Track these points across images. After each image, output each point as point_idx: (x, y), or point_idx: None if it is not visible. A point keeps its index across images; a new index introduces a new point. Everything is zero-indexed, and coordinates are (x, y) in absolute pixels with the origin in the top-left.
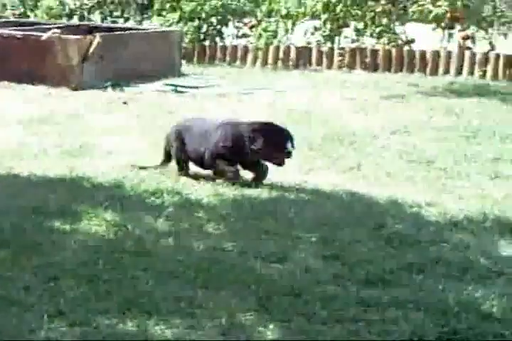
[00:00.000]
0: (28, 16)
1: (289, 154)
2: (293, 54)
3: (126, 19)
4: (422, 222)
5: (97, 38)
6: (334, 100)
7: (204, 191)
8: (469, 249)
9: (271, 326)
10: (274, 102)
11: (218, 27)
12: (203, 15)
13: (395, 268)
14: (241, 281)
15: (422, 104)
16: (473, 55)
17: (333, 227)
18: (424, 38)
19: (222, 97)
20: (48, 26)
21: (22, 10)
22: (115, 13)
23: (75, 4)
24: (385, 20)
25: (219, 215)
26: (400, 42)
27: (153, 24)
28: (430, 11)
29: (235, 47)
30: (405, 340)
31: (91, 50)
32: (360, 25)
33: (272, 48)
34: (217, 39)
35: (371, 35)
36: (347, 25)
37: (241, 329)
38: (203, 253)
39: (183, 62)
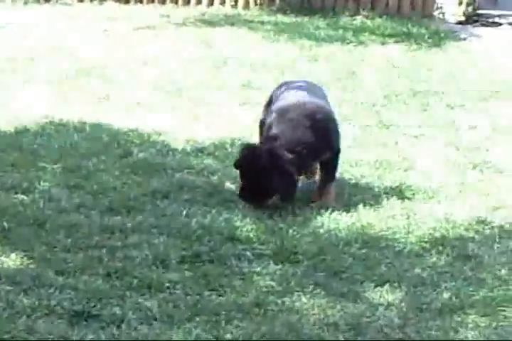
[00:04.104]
0: None
1: None
2: None
3: None
4: (168, 149)
5: None
6: (84, 33)
7: None
8: (215, 174)
9: (13, 255)
10: (23, 37)
11: None
12: None
13: (140, 195)
14: None
15: (173, 34)
16: None
17: (79, 157)
18: None
19: None
20: None
21: None
22: None
23: None
24: None
25: None
26: None
27: None
28: None
29: None
30: (148, 265)
31: None
32: None
33: None
34: None
35: None
36: None
37: None
38: None
39: None
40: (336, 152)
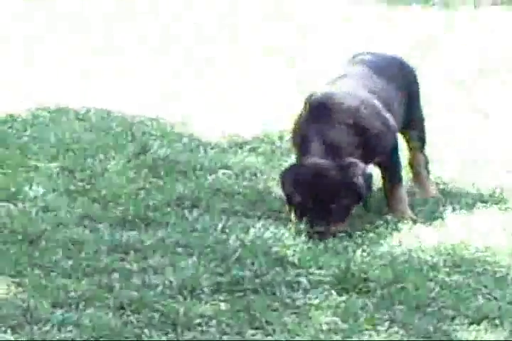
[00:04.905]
0: None
1: None
2: None
3: None
4: (198, 144)
5: None
6: None
7: None
8: (258, 176)
9: None
10: None
11: None
12: None
13: (161, 203)
14: None
15: None
16: None
17: (82, 154)
18: None
19: None
20: None
21: None
22: None
23: None
24: None
25: None
26: None
27: None
28: None
29: None
30: (172, 295)
31: None
32: None
33: None
34: None
35: None
36: None
37: None
38: None
39: None
40: (389, 153)
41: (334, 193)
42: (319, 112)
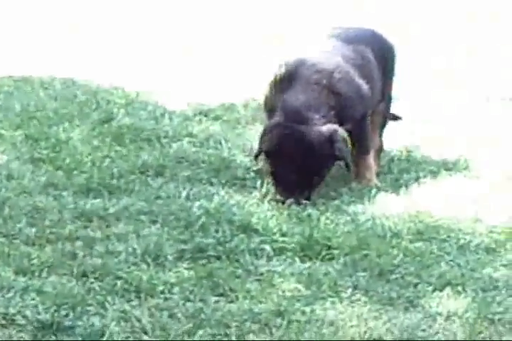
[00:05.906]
0: None
1: None
2: None
3: None
4: (163, 112)
5: None
6: None
7: None
8: (222, 144)
9: None
10: None
11: None
12: None
13: (125, 171)
14: None
15: None
16: None
17: (46, 122)
18: None
19: None
20: None
21: None
22: None
23: None
24: None
25: None
26: None
27: None
28: None
29: None
30: (135, 262)
31: None
32: None
33: None
34: None
35: None
36: None
37: None
38: None
39: None
40: (358, 120)
41: (316, 161)
42: (293, 75)
